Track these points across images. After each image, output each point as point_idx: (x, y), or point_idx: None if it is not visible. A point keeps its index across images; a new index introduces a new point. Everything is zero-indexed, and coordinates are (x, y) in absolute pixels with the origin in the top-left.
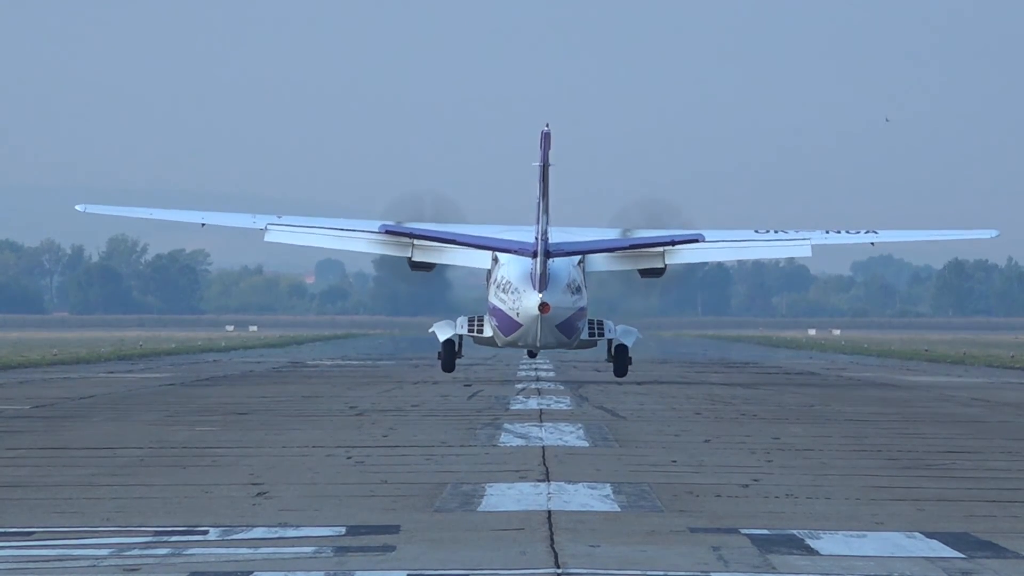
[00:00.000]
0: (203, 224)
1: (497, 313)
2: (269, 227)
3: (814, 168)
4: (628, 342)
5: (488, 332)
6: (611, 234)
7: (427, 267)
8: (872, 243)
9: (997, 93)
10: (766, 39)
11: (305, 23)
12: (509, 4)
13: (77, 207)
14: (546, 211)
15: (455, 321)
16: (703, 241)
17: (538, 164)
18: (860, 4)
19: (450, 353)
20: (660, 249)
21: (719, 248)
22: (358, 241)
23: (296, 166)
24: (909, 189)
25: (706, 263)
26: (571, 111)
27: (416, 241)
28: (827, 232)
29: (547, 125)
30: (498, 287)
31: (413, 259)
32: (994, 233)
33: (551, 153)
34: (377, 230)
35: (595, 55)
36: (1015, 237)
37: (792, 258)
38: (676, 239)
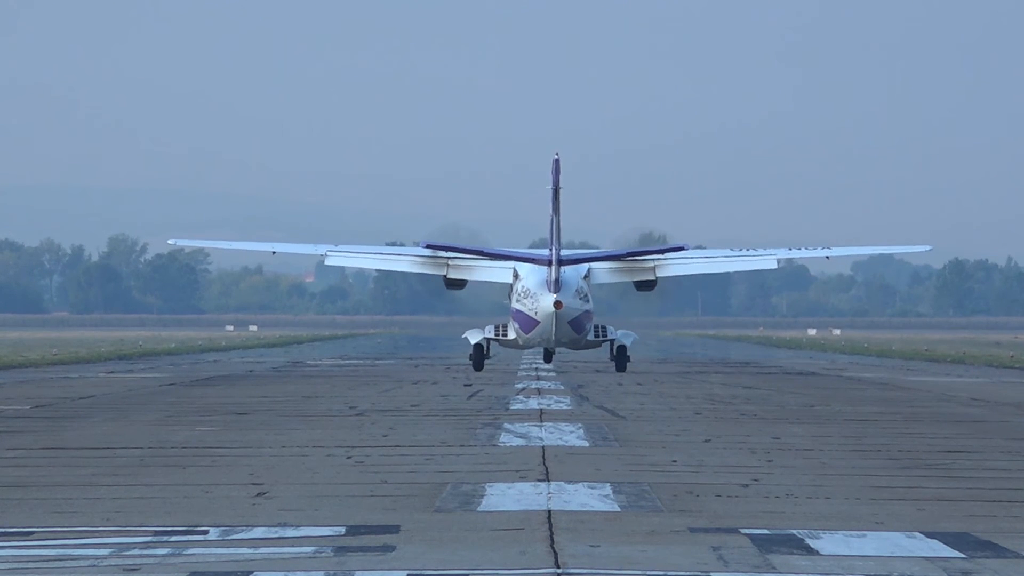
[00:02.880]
0: (273, 252)
1: (519, 316)
2: (328, 253)
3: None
4: (627, 343)
5: (511, 335)
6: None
7: (459, 284)
8: (827, 257)
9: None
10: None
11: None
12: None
13: (169, 241)
14: (558, 227)
15: (483, 328)
16: (686, 250)
17: (550, 187)
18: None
19: (480, 355)
20: (651, 264)
21: (700, 262)
22: (402, 262)
23: (298, 170)
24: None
25: (690, 275)
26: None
27: (450, 261)
28: (789, 249)
29: (556, 153)
30: (520, 295)
31: (448, 276)
32: (927, 247)
33: (561, 177)
34: (420, 247)
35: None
36: (1014, 236)
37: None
38: (664, 249)
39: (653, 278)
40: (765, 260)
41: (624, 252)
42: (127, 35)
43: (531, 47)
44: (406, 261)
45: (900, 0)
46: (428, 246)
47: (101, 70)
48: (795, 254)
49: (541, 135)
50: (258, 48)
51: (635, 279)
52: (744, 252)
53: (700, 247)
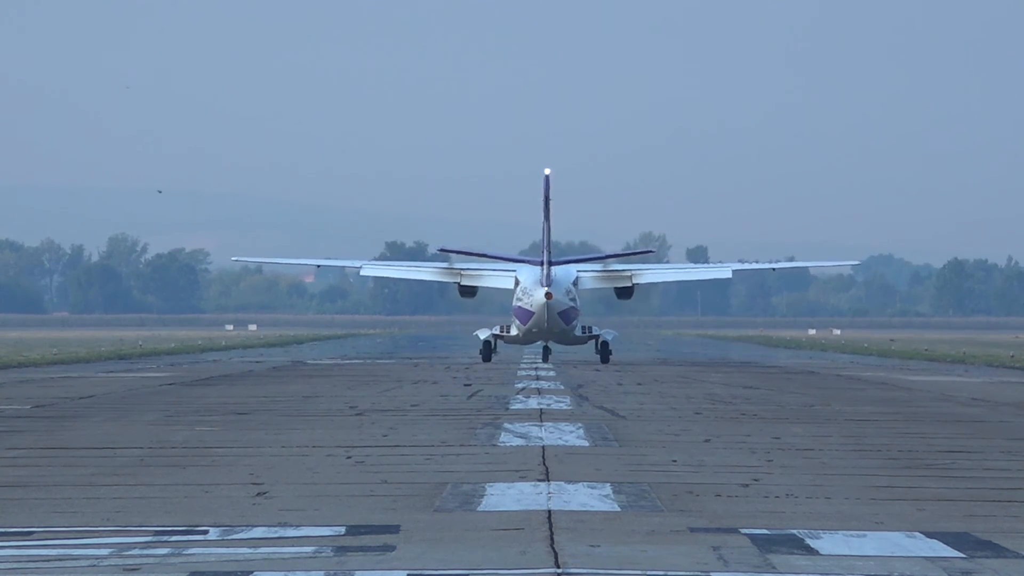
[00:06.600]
0: (318, 266)
1: (519, 312)
2: (364, 265)
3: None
4: (609, 339)
5: (514, 332)
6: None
7: (472, 292)
8: (773, 269)
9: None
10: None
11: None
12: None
13: (232, 258)
14: (549, 233)
15: (491, 327)
16: (654, 254)
17: (542, 199)
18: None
19: (488, 349)
20: (629, 273)
21: (669, 272)
22: (423, 272)
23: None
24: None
25: (660, 283)
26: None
27: (463, 271)
28: (742, 262)
29: (547, 170)
30: (519, 294)
31: (462, 284)
32: (856, 262)
33: (552, 191)
34: (438, 252)
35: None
36: (1014, 236)
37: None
38: (636, 252)
39: (630, 285)
40: (722, 270)
41: (604, 255)
42: (127, 35)
43: (532, 47)
44: (427, 272)
45: (899, 1)
46: (441, 250)
47: (101, 70)
48: (747, 266)
49: (541, 136)
50: (258, 49)
51: (615, 286)
52: (706, 264)
53: (700, 247)
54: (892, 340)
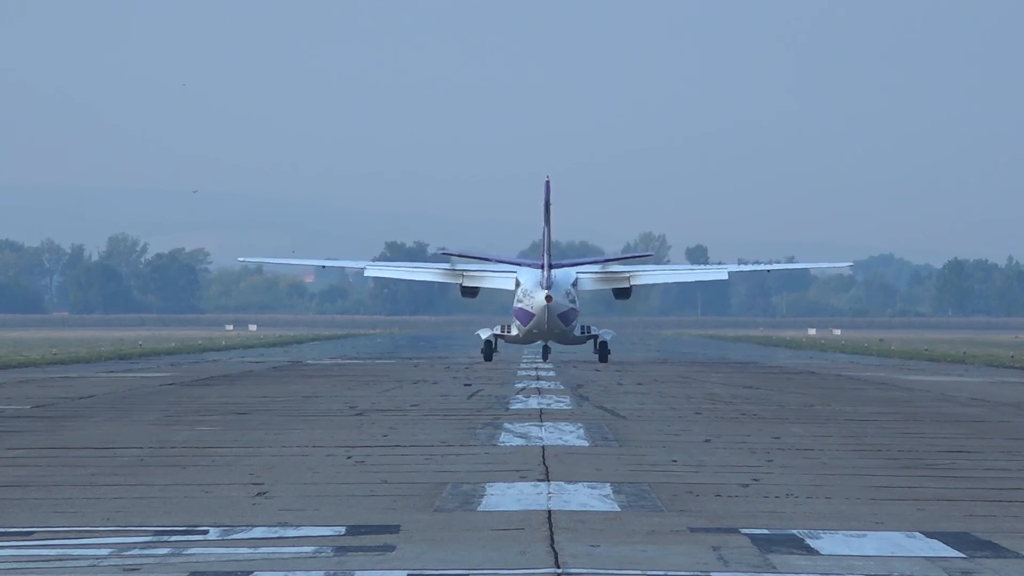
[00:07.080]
0: (323, 267)
1: (519, 313)
2: (368, 266)
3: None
4: (608, 339)
5: (514, 331)
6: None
7: (473, 292)
8: (768, 270)
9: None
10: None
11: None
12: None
13: (239, 259)
14: (549, 237)
15: (492, 327)
16: (652, 257)
17: (542, 205)
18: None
19: (489, 348)
20: (627, 274)
21: (666, 273)
22: (426, 273)
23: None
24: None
25: (657, 284)
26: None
27: (465, 272)
28: (738, 263)
29: (547, 176)
30: (520, 296)
31: (463, 285)
32: (850, 263)
33: (552, 192)
34: (438, 253)
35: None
36: (1014, 236)
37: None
38: (635, 256)
39: (628, 286)
40: (718, 272)
41: (603, 259)
42: (127, 35)
43: (532, 47)
44: (430, 272)
45: (899, 1)
46: (444, 252)
47: (101, 70)
48: (743, 267)
49: (541, 136)
50: (257, 48)
51: (613, 287)
52: (703, 265)
53: (700, 246)
54: (881, 339)
